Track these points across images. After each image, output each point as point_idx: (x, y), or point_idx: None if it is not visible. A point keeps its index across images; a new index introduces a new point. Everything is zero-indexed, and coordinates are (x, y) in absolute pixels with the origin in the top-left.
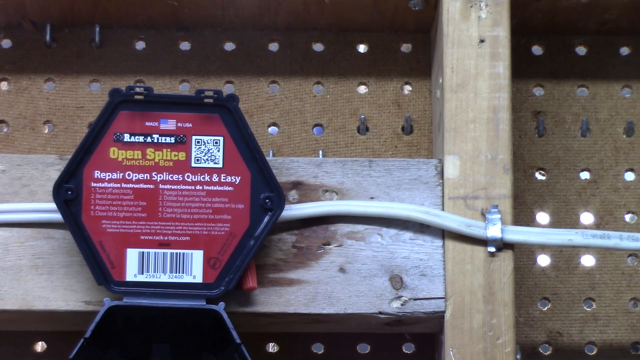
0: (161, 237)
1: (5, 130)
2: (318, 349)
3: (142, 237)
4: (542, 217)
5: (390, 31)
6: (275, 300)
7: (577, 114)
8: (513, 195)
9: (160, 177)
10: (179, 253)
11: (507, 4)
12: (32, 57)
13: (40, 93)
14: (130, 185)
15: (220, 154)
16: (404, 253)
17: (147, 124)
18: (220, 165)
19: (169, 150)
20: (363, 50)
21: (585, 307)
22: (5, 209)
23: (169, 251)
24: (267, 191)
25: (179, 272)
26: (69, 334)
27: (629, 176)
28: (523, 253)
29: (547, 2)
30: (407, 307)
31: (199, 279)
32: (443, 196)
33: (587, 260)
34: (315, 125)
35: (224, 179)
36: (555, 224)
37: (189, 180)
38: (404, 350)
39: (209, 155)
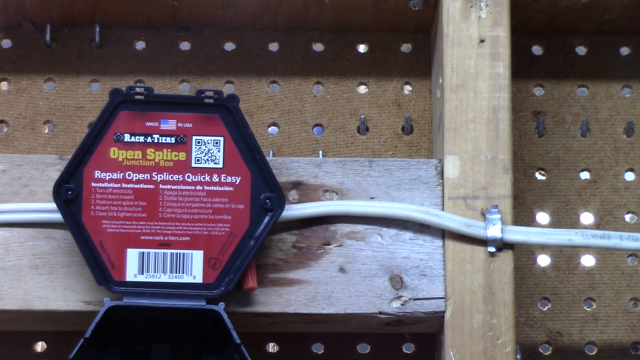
0: (161, 237)
1: (5, 130)
2: (318, 349)
3: (142, 237)
4: (542, 217)
5: (390, 31)
6: (275, 300)
7: (577, 114)
8: (513, 195)
9: (160, 177)
10: (179, 253)
11: (507, 4)
12: (32, 57)
13: (40, 93)
14: (131, 186)
15: (221, 154)
16: (404, 253)
17: (148, 124)
18: (220, 165)
19: (169, 150)
20: (363, 50)
21: (585, 307)
22: (5, 209)
23: (169, 251)
24: (267, 191)
25: (179, 272)
26: (69, 334)
27: (629, 176)
28: (523, 253)
29: (547, 2)
30: (407, 307)
31: (199, 279)
32: (443, 196)
33: (587, 260)
34: (315, 125)
35: (224, 179)
36: (555, 224)
37: (189, 180)
38: (404, 350)
39: (209, 155)
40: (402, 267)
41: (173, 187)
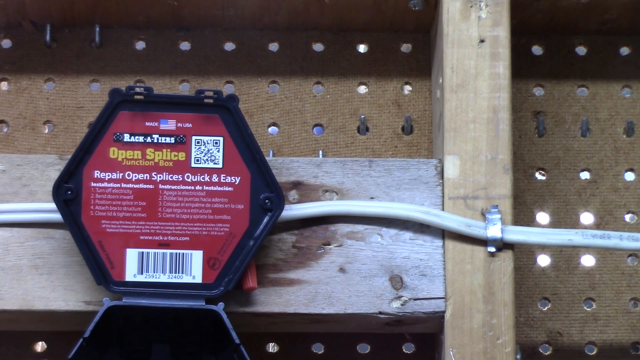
0: (161, 237)
1: (5, 130)
2: (318, 349)
3: (141, 237)
4: (542, 217)
5: (390, 31)
6: (275, 300)
7: (577, 114)
8: (513, 195)
9: (160, 177)
10: (179, 253)
11: (507, 4)
12: (32, 57)
13: (40, 93)
14: (130, 185)
15: (220, 154)
16: (404, 253)
17: (147, 124)
18: (220, 165)
19: (168, 150)
20: (363, 50)
21: (585, 307)
22: (5, 209)
23: (168, 251)
24: (266, 191)
25: (179, 272)
26: (69, 334)
27: (629, 176)
28: (523, 253)
29: (547, 2)
30: (407, 307)
31: (198, 279)
32: (443, 196)
33: (587, 260)
34: (315, 125)
35: (223, 180)
36: (555, 224)
37: (189, 180)
38: (404, 350)
39: (209, 155)
40: (402, 267)
41: (172, 187)
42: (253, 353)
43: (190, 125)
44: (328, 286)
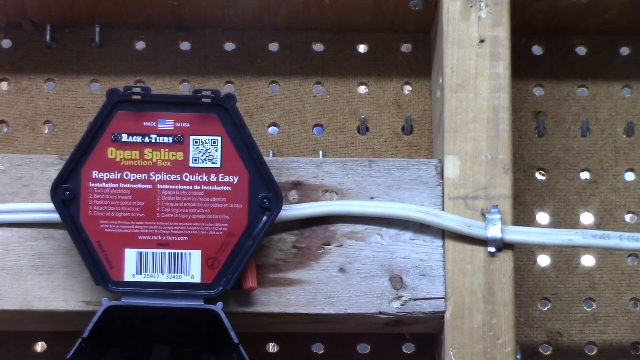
0: (159, 237)
1: (5, 130)
2: (318, 349)
3: (140, 237)
4: (542, 217)
5: (390, 31)
6: (275, 300)
7: (577, 114)
8: (513, 195)
9: (158, 177)
10: (177, 253)
11: (507, 4)
12: (32, 57)
13: (40, 93)
14: (128, 185)
15: (218, 153)
16: (404, 253)
17: (145, 124)
18: (218, 165)
19: (166, 150)
20: (363, 50)
21: (585, 307)
22: (5, 209)
23: (167, 251)
24: (265, 191)
25: (177, 272)
26: (69, 334)
27: (629, 176)
28: (523, 253)
29: (547, 2)
30: (407, 307)
31: (197, 278)
32: (443, 196)
33: (587, 260)
34: (315, 125)
35: (221, 179)
36: (555, 224)
37: (187, 180)
38: (404, 350)
39: (207, 155)
40: (402, 267)
41: (171, 187)
42: (253, 353)
43: (188, 124)
44: (328, 286)
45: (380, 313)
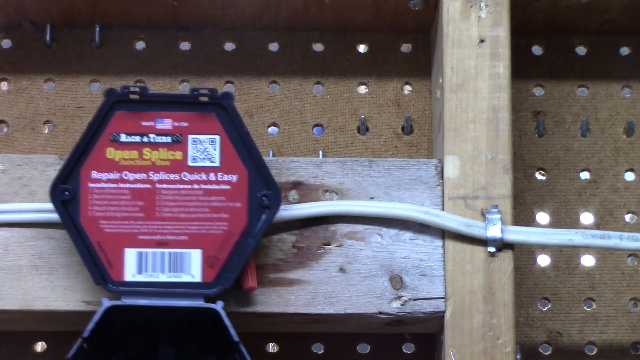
0: (159, 237)
1: (5, 130)
2: (318, 349)
3: (139, 237)
4: (542, 217)
5: (390, 31)
6: (275, 300)
7: (577, 114)
8: (513, 195)
9: (157, 176)
10: (177, 252)
11: (507, 4)
12: (32, 57)
13: (40, 93)
14: (128, 185)
15: (217, 152)
16: (404, 253)
17: (143, 123)
18: (217, 164)
19: (165, 149)
20: (363, 50)
21: (585, 307)
22: (5, 209)
23: (167, 250)
24: (264, 189)
25: (177, 272)
26: (69, 334)
27: (629, 176)
28: (523, 253)
29: (547, 2)
30: (407, 307)
31: (197, 278)
32: (443, 196)
33: (587, 260)
34: (315, 125)
35: (220, 178)
36: (555, 224)
37: (186, 179)
38: (404, 350)
39: (206, 154)
40: (402, 267)
41: (170, 187)
42: (253, 353)
43: (187, 124)
44: (328, 286)
45: (380, 313)
